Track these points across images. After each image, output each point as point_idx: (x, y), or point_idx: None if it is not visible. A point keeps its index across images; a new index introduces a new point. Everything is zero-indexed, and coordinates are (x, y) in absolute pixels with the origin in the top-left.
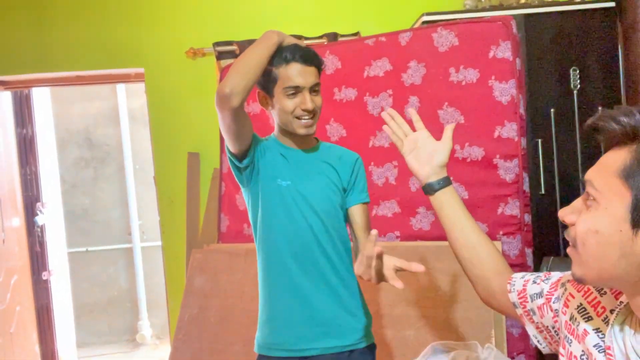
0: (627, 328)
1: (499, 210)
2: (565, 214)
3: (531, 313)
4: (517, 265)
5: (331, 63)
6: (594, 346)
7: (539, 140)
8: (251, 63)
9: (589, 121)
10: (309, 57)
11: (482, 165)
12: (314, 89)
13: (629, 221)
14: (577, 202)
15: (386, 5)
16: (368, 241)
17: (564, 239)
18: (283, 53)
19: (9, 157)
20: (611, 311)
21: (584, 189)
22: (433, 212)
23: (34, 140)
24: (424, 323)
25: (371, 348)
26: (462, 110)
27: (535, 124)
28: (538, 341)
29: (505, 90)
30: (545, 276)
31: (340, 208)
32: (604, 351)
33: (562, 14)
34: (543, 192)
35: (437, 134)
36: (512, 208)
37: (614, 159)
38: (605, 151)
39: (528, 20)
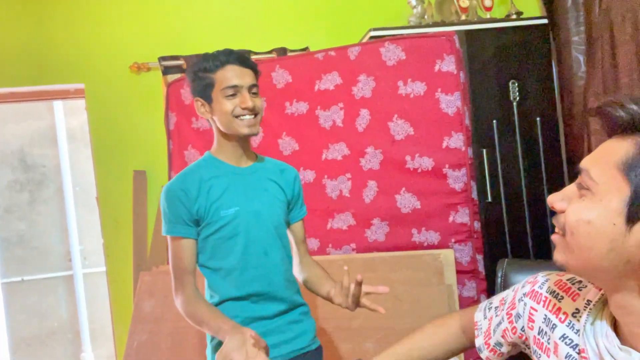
0: (598, 327)
1: (450, 219)
2: (555, 200)
3: (497, 347)
4: (469, 272)
5: (281, 77)
6: (566, 357)
7: (484, 150)
8: (197, 324)
9: (596, 105)
10: (244, 59)
11: (433, 175)
12: (252, 90)
13: (623, 215)
14: (569, 190)
15: (334, 21)
16: (345, 273)
17: (512, 244)
18: (218, 57)
19: None
20: (573, 315)
21: (576, 175)
22: (388, 223)
23: None
24: (383, 334)
25: (320, 350)
26: (412, 122)
27: (479, 134)
28: None
29: (451, 102)
30: (501, 302)
31: (286, 224)
32: (579, 354)
33: (500, 30)
34: (490, 199)
35: (388, 145)
36: (462, 216)
37: (615, 150)
38: (606, 139)
39: (469, 36)
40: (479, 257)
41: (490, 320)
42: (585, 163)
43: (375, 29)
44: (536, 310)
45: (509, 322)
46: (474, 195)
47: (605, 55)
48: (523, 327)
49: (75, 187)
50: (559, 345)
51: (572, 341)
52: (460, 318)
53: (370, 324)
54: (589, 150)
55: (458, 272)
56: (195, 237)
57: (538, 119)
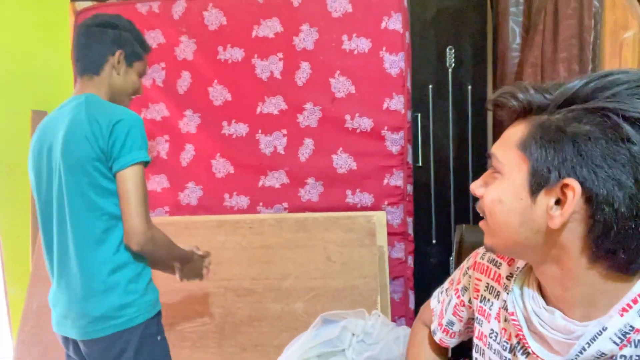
0: (525, 290)
1: (385, 181)
2: (475, 187)
3: (449, 326)
4: (399, 234)
5: (215, 18)
6: (506, 321)
7: (419, 115)
8: (167, 259)
9: (491, 97)
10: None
11: (371, 137)
12: None
13: (527, 189)
14: (485, 176)
15: None
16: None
17: (437, 207)
18: (145, 41)
19: None
20: (507, 278)
21: (490, 162)
22: (322, 183)
23: None
24: (313, 295)
25: None
26: (353, 80)
27: (415, 98)
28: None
29: (395, 63)
30: (450, 283)
31: None
32: (510, 316)
33: None
34: (420, 164)
35: (328, 102)
36: (396, 179)
37: (514, 132)
38: (507, 126)
39: None
40: (409, 219)
41: (443, 303)
42: (493, 148)
43: None
44: (480, 280)
45: (457, 297)
46: (409, 159)
47: (547, 27)
48: (470, 298)
49: None
50: (501, 312)
51: (505, 302)
52: (424, 327)
53: (301, 284)
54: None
55: (389, 233)
56: None
57: (469, 87)
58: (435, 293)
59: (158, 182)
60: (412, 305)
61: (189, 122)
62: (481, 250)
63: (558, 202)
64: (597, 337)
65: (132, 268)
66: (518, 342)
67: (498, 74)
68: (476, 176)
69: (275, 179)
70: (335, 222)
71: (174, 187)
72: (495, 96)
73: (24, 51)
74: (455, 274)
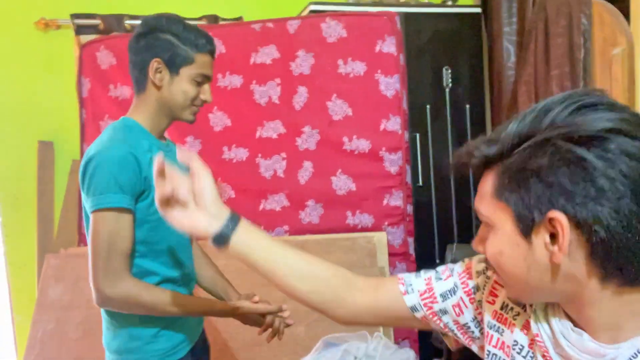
0: (550, 311)
1: (384, 202)
2: (474, 245)
3: (440, 313)
4: (400, 254)
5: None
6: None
7: (417, 135)
8: (184, 312)
9: (452, 163)
10: (214, 52)
11: (369, 158)
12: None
13: (519, 234)
14: (480, 232)
15: None
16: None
17: (439, 227)
18: (204, 38)
19: None
20: None
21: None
22: (322, 205)
23: None
24: (315, 318)
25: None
26: (350, 103)
27: (413, 119)
28: (441, 341)
29: (390, 85)
30: (446, 270)
31: None
32: (534, 338)
33: (437, 16)
34: (421, 183)
35: (325, 125)
36: (396, 199)
37: (487, 184)
38: (479, 181)
39: (407, 19)
40: (410, 239)
41: (430, 282)
42: (475, 204)
43: (315, 3)
44: (502, 286)
45: (465, 292)
46: (408, 179)
47: (539, 46)
48: (481, 300)
49: None
50: (532, 325)
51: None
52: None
53: (302, 308)
54: None
55: (390, 254)
56: (135, 211)
57: (467, 106)
58: (414, 273)
59: (277, 202)
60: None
61: (190, 148)
62: None
63: (553, 236)
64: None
65: (131, 323)
66: None
67: (495, 92)
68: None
69: (275, 202)
70: (335, 244)
71: None
72: (455, 161)
73: (31, 84)
74: (456, 267)
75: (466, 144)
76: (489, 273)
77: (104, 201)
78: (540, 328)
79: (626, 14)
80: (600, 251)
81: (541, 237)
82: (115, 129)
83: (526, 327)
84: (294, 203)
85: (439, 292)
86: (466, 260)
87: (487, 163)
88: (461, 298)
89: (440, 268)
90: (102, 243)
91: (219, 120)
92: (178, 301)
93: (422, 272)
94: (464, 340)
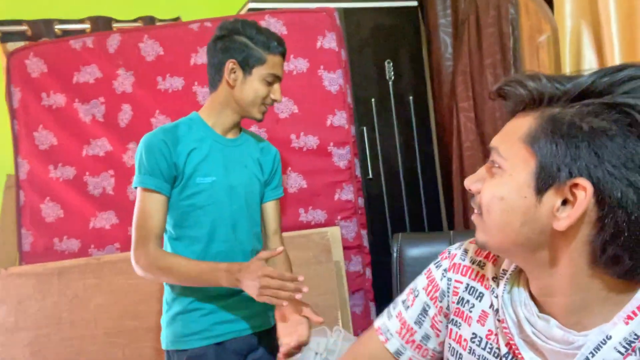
0: (515, 295)
1: (336, 196)
2: (470, 182)
3: (423, 342)
4: (355, 247)
5: (151, 49)
6: (496, 326)
7: (364, 128)
8: (182, 280)
9: (497, 85)
10: (285, 53)
11: (318, 154)
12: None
13: (532, 187)
14: (482, 171)
15: None
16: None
17: (391, 217)
18: (278, 41)
19: None
20: (493, 279)
21: (488, 156)
22: None
23: None
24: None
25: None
26: (295, 100)
27: (359, 112)
28: None
29: (334, 80)
30: (409, 293)
31: (260, 204)
32: (499, 322)
33: (376, 10)
34: (371, 176)
35: (272, 123)
36: (347, 193)
37: (519, 125)
38: (510, 118)
39: (347, 14)
40: (363, 232)
41: (401, 316)
42: (494, 142)
43: (253, 1)
44: (461, 282)
45: (435, 305)
46: (357, 172)
47: (472, 37)
48: (448, 305)
49: None
50: (489, 315)
51: (495, 307)
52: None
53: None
54: (458, 129)
55: (344, 248)
56: (168, 195)
57: (411, 97)
58: (382, 313)
59: (106, 219)
60: (373, 317)
61: (133, 155)
62: (457, 251)
63: (565, 202)
64: (601, 347)
65: (168, 292)
66: (509, 352)
67: (435, 83)
68: (427, 184)
69: None
70: (290, 242)
71: (123, 222)
72: (502, 84)
73: None
74: (419, 283)
75: (524, 72)
76: (449, 274)
77: (136, 180)
78: (505, 313)
79: (550, 2)
80: (607, 235)
81: (552, 199)
82: (177, 121)
83: (482, 318)
84: None
85: (412, 320)
86: (424, 272)
87: (534, 102)
88: (434, 315)
89: (404, 294)
90: (135, 216)
91: (161, 124)
92: (189, 264)
93: (392, 308)
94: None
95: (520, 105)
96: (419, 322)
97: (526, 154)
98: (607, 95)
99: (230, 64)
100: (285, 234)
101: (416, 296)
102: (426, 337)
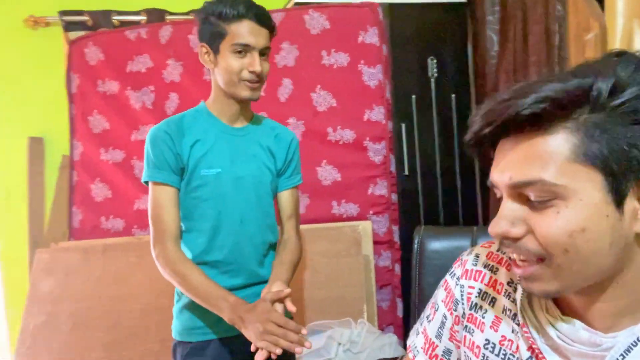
0: (535, 299)
1: (369, 191)
2: (505, 228)
3: (445, 355)
4: (385, 242)
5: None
6: (512, 332)
7: (403, 124)
8: (189, 293)
9: (485, 108)
10: (264, 17)
11: (354, 148)
12: (263, 53)
13: (611, 201)
14: (514, 211)
15: None
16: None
17: (426, 214)
18: (237, 7)
19: None
20: (509, 284)
21: (492, 192)
22: (308, 195)
23: None
24: (301, 305)
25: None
26: (334, 94)
27: (399, 108)
28: None
29: (373, 75)
30: (432, 307)
31: (272, 193)
32: (520, 327)
33: (422, 6)
34: (407, 173)
35: (310, 116)
36: (380, 188)
37: (551, 146)
38: (496, 147)
39: (391, 10)
40: (395, 227)
41: (425, 332)
42: (530, 175)
43: None
44: (473, 288)
45: (451, 315)
46: (392, 168)
47: (518, 34)
48: (463, 312)
49: None
50: (503, 320)
51: (511, 311)
52: None
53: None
54: None
55: (375, 242)
56: (178, 187)
57: (453, 95)
58: (412, 331)
59: None
60: (400, 313)
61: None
62: (469, 257)
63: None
64: (632, 348)
65: None
66: (531, 356)
67: (479, 81)
68: (465, 183)
69: None
70: (321, 234)
71: None
72: (481, 119)
73: (21, 81)
74: (438, 295)
75: (512, 89)
76: (462, 281)
77: (145, 174)
78: (526, 317)
79: (600, 0)
80: None
81: (630, 204)
82: (184, 112)
83: (496, 324)
84: None
85: (433, 334)
86: (441, 284)
87: (553, 114)
88: (451, 327)
89: (427, 307)
90: (149, 211)
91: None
92: (202, 282)
93: (419, 324)
94: None
95: (519, 124)
96: (439, 336)
97: (586, 171)
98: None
99: (202, 49)
100: (316, 226)
101: (436, 310)
102: (447, 352)
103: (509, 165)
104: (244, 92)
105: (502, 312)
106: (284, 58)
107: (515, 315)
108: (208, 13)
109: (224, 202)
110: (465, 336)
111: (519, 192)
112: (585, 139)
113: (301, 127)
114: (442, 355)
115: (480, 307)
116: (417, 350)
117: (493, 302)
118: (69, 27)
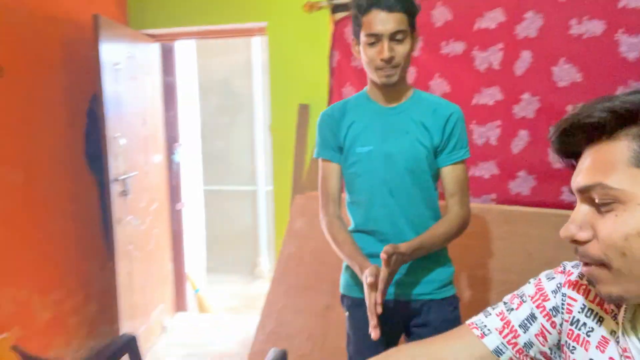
0: (638, 324)
1: None
2: (573, 232)
3: (526, 348)
4: None
5: (441, 15)
6: (619, 354)
7: None
8: (338, 253)
9: (565, 121)
10: (392, 3)
11: None
12: (395, 37)
13: None
14: (583, 215)
15: None
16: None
17: None
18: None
19: (155, 102)
20: (617, 306)
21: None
22: (535, 177)
23: (175, 88)
24: (507, 288)
25: (449, 300)
26: (580, 67)
27: None
28: None
29: (634, 46)
30: (514, 297)
31: (429, 168)
32: (622, 353)
33: None
34: None
35: (548, 93)
36: None
37: (614, 153)
38: (579, 153)
39: None
40: None
41: (505, 318)
42: (593, 179)
43: None
44: (575, 300)
45: (545, 316)
46: None
47: None
48: (562, 322)
49: (265, 115)
50: (611, 341)
51: (616, 333)
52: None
53: (495, 276)
54: None
55: None
56: (340, 163)
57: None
58: (483, 314)
59: (487, 169)
60: None
61: (525, 106)
62: (573, 269)
63: None
64: None
65: None
66: None
67: None
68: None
69: (484, 170)
70: (544, 219)
71: (503, 174)
72: (581, 116)
73: (297, 57)
74: (527, 290)
75: (581, 105)
76: (565, 289)
77: (315, 152)
78: (628, 342)
79: None
80: None
81: None
82: (350, 97)
83: (602, 344)
84: (504, 172)
85: (517, 323)
86: (531, 280)
87: (616, 124)
88: (542, 325)
89: (506, 298)
90: (319, 183)
91: (438, 86)
92: (340, 243)
93: (490, 309)
94: None
95: (594, 134)
96: (524, 327)
97: None
98: None
99: (353, 42)
100: (540, 210)
101: (524, 301)
102: (529, 344)
103: (580, 172)
104: (381, 79)
105: (610, 334)
106: (526, 29)
107: (616, 335)
108: (353, 7)
109: (374, 177)
110: (565, 352)
111: (587, 196)
112: None
113: (535, 103)
114: (524, 346)
115: (584, 324)
116: (489, 330)
117: (600, 321)
118: (335, 9)
